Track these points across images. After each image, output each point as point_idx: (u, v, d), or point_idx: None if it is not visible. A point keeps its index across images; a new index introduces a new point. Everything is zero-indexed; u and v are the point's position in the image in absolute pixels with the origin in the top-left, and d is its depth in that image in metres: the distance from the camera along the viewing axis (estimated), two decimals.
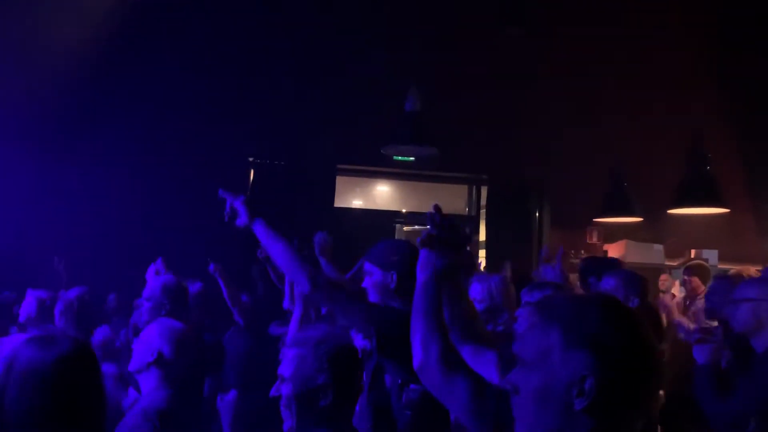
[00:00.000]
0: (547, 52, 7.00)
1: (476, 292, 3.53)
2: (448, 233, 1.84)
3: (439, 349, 1.62)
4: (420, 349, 1.64)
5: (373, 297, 2.55)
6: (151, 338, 2.55)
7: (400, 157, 7.26)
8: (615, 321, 1.22)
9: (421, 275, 1.77)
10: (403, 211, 8.97)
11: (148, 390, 2.49)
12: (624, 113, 7.35)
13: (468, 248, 2.95)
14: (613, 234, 8.17)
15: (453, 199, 8.92)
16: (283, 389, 1.84)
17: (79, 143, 6.55)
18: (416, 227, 8.33)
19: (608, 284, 3.40)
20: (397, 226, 8.66)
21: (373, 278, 2.54)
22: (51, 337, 1.55)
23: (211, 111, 6.95)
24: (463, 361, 1.68)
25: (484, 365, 1.93)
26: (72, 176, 6.59)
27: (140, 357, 2.52)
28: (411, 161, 7.44)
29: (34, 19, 5.93)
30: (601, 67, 7.19)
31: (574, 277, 4.37)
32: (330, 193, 8.17)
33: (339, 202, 8.44)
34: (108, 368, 3.24)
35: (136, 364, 2.50)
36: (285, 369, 1.85)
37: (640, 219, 7.59)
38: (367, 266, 2.57)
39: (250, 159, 8.00)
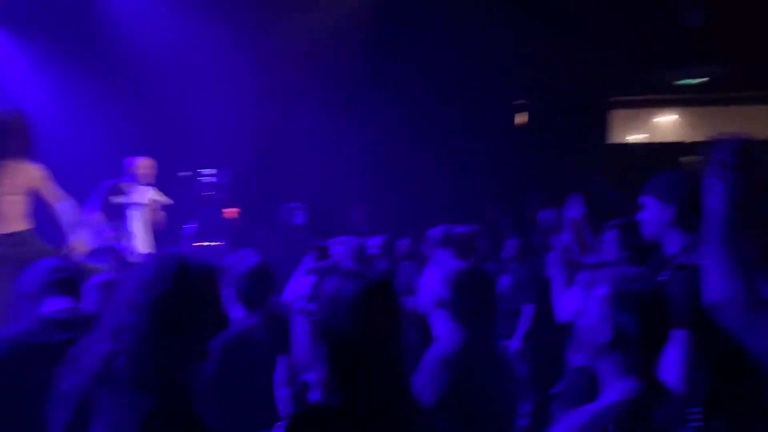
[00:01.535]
0: None
1: None
2: (744, 159, 1.63)
3: (742, 284, 1.49)
4: (719, 283, 1.53)
5: (648, 231, 2.39)
6: (431, 280, 2.70)
7: (684, 81, 6.51)
8: None
9: (712, 203, 1.61)
10: (690, 141, 8.07)
11: (439, 333, 2.64)
12: None
13: None
14: None
15: (751, 123, 7.74)
16: (579, 332, 1.82)
17: (363, 98, 7.20)
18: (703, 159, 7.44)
19: None
20: (683, 158, 7.84)
21: (648, 211, 2.38)
22: (359, 272, 1.74)
23: (474, 59, 7.03)
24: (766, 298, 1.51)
25: None
26: (361, 130, 7.27)
27: (425, 299, 2.68)
28: (697, 84, 6.63)
29: None
30: None
31: None
32: (603, 129, 7.73)
33: (614, 138, 7.93)
34: None
35: (423, 305, 2.68)
36: (580, 313, 1.82)
37: None
38: (644, 198, 2.40)
39: (517, 102, 7.93)
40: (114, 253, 4.82)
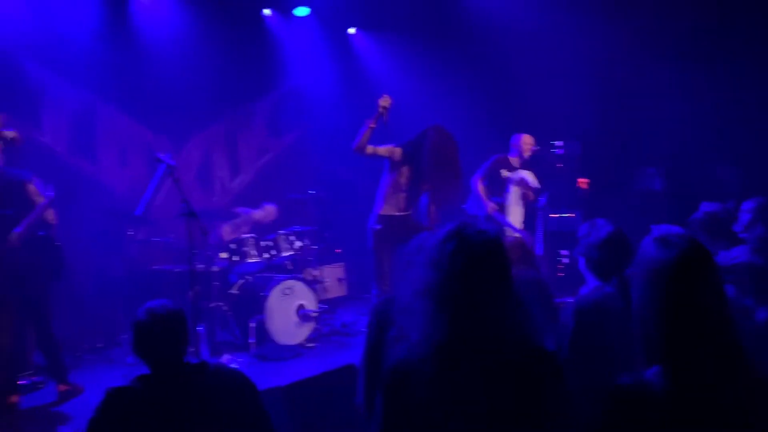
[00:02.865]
0: None
1: None
2: None
3: None
4: None
5: None
6: None
7: None
8: None
9: None
10: None
11: None
12: None
13: None
14: None
15: None
16: None
17: (721, 41, 6.36)
18: None
19: None
20: None
21: None
22: (673, 236, 1.54)
23: None
24: None
25: None
26: (724, 78, 6.37)
27: None
28: None
29: None
30: None
31: None
32: None
33: None
34: None
35: None
36: None
37: None
38: None
39: None
40: (494, 222, 5.45)
